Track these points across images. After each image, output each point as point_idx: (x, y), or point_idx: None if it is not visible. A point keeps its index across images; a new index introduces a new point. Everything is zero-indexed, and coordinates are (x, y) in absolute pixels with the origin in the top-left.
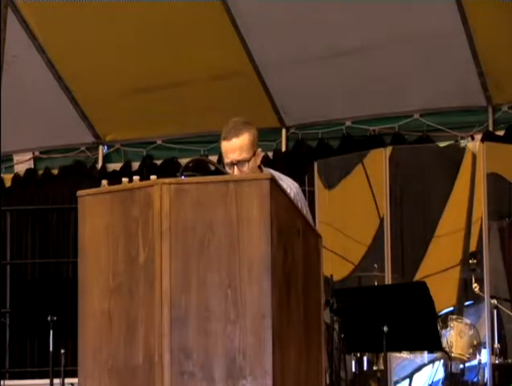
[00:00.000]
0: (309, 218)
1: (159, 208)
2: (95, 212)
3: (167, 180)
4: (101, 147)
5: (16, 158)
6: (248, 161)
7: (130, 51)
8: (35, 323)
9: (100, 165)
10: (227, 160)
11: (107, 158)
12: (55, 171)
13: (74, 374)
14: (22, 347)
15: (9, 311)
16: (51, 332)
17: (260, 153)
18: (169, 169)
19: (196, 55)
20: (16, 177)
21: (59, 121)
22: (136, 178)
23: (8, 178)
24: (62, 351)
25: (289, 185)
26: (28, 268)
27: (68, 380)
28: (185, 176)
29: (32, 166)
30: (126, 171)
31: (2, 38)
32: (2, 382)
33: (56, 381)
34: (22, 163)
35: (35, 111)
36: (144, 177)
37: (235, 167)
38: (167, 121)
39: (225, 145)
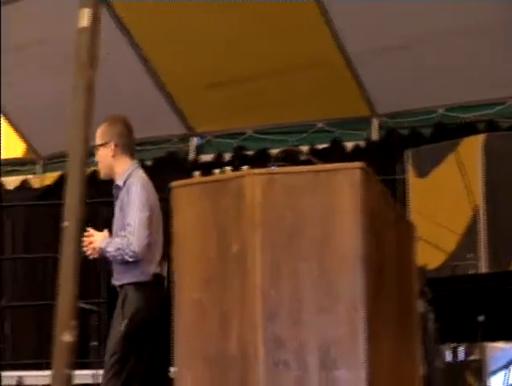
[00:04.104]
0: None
1: (251, 199)
2: (188, 203)
3: (258, 171)
4: (193, 139)
5: None
6: (97, 149)
7: (221, 43)
8: (163, 316)
9: (192, 156)
10: None
11: (199, 150)
12: (149, 163)
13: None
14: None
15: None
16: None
17: (111, 146)
18: (260, 159)
19: (285, 46)
20: None
21: (152, 114)
22: (228, 169)
23: None
24: None
25: (125, 188)
26: None
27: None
28: (276, 166)
29: None
30: (218, 162)
31: (95, 35)
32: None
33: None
34: None
35: (128, 104)
36: (236, 168)
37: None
38: (258, 111)
39: None
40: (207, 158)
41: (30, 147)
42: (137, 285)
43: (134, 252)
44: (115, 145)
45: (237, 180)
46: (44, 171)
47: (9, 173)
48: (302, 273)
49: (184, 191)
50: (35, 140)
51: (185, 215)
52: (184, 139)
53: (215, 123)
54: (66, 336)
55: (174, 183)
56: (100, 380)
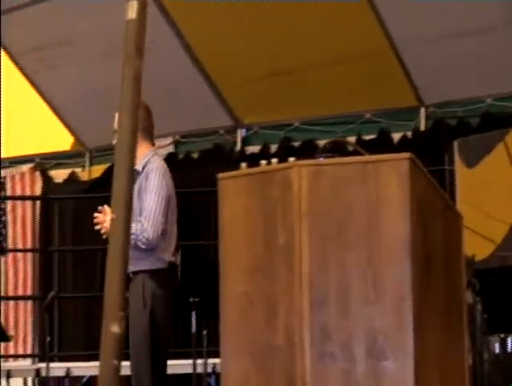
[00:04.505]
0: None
1: (298, 190)
2: (234, 195)
3: (305, 162)
4: (239, 130)
5: (157, 142)
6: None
7: (266, 33)
8: (177, 305)
9: (238, 148)
10: None
11: (246, 141)
12: (195, 155)
13: (216, 354)
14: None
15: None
16: (194, 313)
17: None
18: (307, 150)
19: (333, 37)
20: None
21: (198, 106)
22: (274, 160)
23: None
24: (204, 331)
25: (144, 174)
26: None
27: (210, 361)
28: (323, 157)
29: (173, 151)
30: (265, 154)
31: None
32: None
33: (199, 361)
34: (164, 148)
35: (174, 96)
36: (282, 159)
37: None
38: (304, 102)
39: None
40: (253, 149)
41: (77, 140)
42: (153, 272)
43: (147, 239)
44: None
45: (284, 171)
46: (92, 164)
47: (57, 166)
48: (349, 264)
49: (231, 183)
50: (83, 133)
51: (232, 207)
52: (231, 131)
53: (261, 114)
54: (114, 327)
55: (220, 175)
56: None
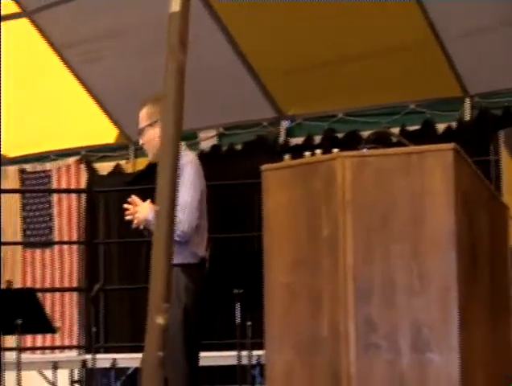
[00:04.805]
0: (188, 195)
1: (342, 182)
2: (278, 186)
3: (349, 153)
4: (283, 122)
5: (201, 134)
6: (143, 130)
7: (310, 24)
8: (221, 296)
9: (282, 139)
10: None
11: (289, 133)
12: (239, 147)
13: (261, 346)
14: (210, 319)
15: None
16: (238, 305)
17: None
18: (351, 142)
19: (373, 27)
20: (201, 154)
21: (241, 98)
22: (318, 151)
23: None
24: (248, 323)
25: (181, 163)
26: (214, 242)
27: (254, 352)
28: (367, 149)
29: (217, 143)
30: (308, 145)
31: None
32: None
33: (244, 353)
34: (207, 140)
35: (217, 88)
36: (326, 150)
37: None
38: (348, 93)
39: None
40: (297, 140)
41: (122, 133)
42: (186, 266)
43: (182, 231)
44: None
45: (328, 163)
46: (136, 156)
47: (102, 159)
48: (394, 256)
49: (274, 175)
50: (127, 125)
51: (275, 199)
52: (274, 122)
53: (305, 106)
54: (158, 319)
55: (264, 167)
56: None
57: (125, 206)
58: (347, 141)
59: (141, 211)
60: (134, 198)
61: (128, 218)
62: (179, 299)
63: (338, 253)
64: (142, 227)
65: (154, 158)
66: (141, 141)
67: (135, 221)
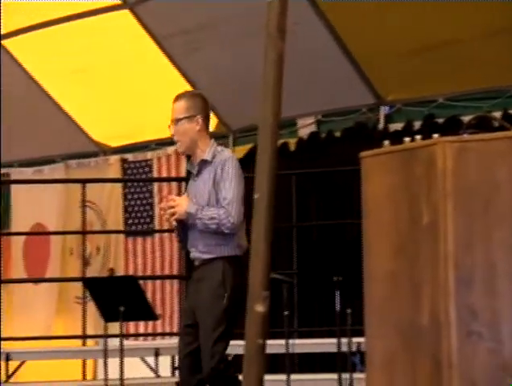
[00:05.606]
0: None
1: (442, 167)
2: (378, 173)
3: (449, 138)
4: (382, 108)
5: (300, 122)
6: (178, 121)
7: (408, 9)
8: (321, 283)
9: (381, 125)
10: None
11: (388, 119)
12: (338, 134)
13: (360, 333)
14: (309, 307)
15: (296, 272)
16: (338, 292)
17: (199, 120)
18: (451, 127)
19: (473, 10)
20: (300, 141)
21: (340, 84)
22: (418, 137)
23: (292, 143)
24: (348, 310)
25: (218, 163)
26: (313, 230)
27: (354, 340)
28: (468, 134)
29: (316, 130)
30: (408, 131)
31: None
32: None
33: (344, 340)
34: (306, 127)
35: (316, 75)
36: (426, 136)
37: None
38: (448, 78)
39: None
40: (396, 126)
41: (221, 122)
42: (232, 258)
43: (232, 223)
44: (202, 119)
45: (428, 148)
46: (235, 145)
47: None
48: (495, 242)
49: (374, 161)
50: (226, 114)
51: (375, 185)
52: (373, 109)
53: (404, 91)
54: (258, 306)
55: (363, 153)
56: (292, 350)
57: (170, 197)
58: (447, 127)
59: (181, 204)
60: (168, 195)
61: (169, 211)
62: (226, 290)
63: (439, 240)
64: (174, 224)
65: (187, 150)
66: (173, 131)
67: (175, 215)
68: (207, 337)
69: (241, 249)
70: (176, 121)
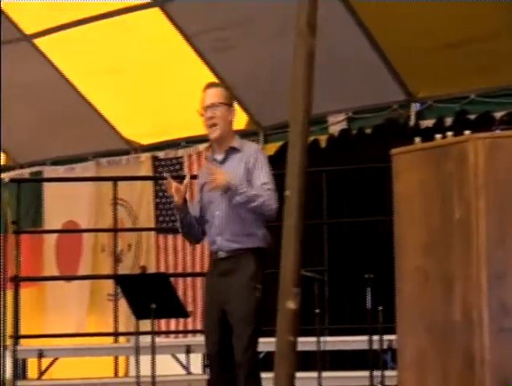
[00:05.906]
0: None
1: (474, 164)
2: (409, 170)
3: (481, 135)
4: (413, 104)
5: (330, 119)
6: (218, 106)
7: (439, 5)
8: (352, 281)
9: (412, 122)
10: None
11: (419, 115)
12: (369, 131)
13: (392, 331)
14: (340, 304)
15: (327, 269)
16: (369, 289)
17: (233, 111)
18: (483, 123)
19: (504, 6)
20: (331, 138)
21: (371, 81)
22: (449, 134)
23: (323, 140)
24: (380, 308)
25: (250, 152)
26: (344, 227)
27: (386, 337)
28: (500, 130)
29: (346, 127)
30: (439, 127)
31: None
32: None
33: (375, 338)
34: (336, 124)
35: (347, 72)
36: (458, 133)
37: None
38: (480, 74)
39: (203, 96)
40: (428, 123)
41: (252, 119)
42: (260, 250)
43: (276, 208)
44: (235, 111)
45: (460, 145)
46: (266, 142)
47: None
48: None
49: (405, 158)
50: (257, 111)
51: (406, 181)
52: (405, 105)
53: (435, 88)
54: (290, 303)
55: (394, 150)
56: (323, 347)
57: (212, 166)
58: (479, 123)
59: (221, 172)
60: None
61: (212, 184)
62: (257, 282)
63: (471, 237)
64: (219, 190)
65: (221, 135)
66: (211, 114)
67: (214, 184)
68: (242, 330)
69: (267, 242)
70: (215, 105)
